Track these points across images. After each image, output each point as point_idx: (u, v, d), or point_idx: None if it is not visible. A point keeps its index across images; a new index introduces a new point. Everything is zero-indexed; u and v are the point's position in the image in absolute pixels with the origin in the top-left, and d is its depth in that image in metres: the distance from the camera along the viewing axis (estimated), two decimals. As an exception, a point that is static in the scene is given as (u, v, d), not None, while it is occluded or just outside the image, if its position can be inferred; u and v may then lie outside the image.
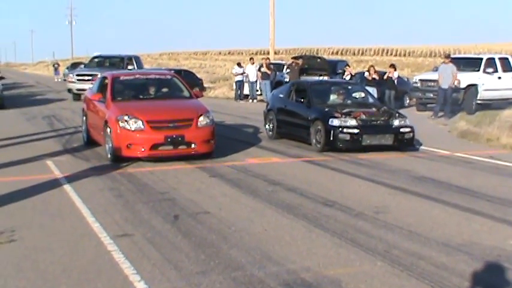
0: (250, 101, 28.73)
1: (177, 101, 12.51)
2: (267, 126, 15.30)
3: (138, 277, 5.28)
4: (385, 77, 22.76)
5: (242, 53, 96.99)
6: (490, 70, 22.51)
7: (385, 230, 6.89)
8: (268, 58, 31.13)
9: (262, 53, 78.27)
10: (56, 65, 64.58)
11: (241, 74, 29.33)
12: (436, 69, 23.76)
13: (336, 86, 15.11)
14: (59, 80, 58.34)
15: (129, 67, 27.80)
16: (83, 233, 6.67)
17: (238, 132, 16.40)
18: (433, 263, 5.74)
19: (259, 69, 28.19)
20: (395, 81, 22.96)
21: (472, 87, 22.01)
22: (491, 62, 22.83)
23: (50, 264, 5.64)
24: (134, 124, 10.90)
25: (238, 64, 30.71)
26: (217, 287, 5.09)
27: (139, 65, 29.57)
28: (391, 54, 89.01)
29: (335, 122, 12.45)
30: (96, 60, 30.85)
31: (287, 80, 26.57)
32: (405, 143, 12.84)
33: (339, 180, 9.90)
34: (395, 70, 23.18)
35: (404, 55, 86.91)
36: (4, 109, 23.22)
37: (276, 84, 26.07)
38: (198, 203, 8.10)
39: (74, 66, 58.72)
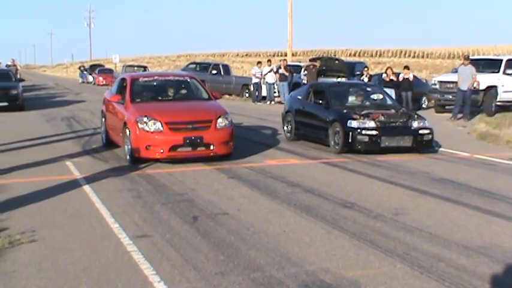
0: (268, 102, 28.72)
1: (196, 102, 12.54)
2: (285, 128, 15.29)
3: (157, 278, 5.30)
4: (400, 78, 22.69)
5: (260, 55, 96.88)
6: (510, 71, 22.31)
7: (404, 231, 6.86)
8: (286, 60, 31.14)
9: (280, 54, 78.37)
10: (82, 68, 65.19)
11: (259, 76, 29.24)
12: (455, 71, 23.59)
13: (354, 87, 15.06)
14: (84, 82, 58.90)
15: (213, 72, 32.75)
16: (102, 234, 6.71)
17: (256, 134, 16.41)
18: (453, 265, 5.70)
19: (276, 71, 28.18)
20: (412, 82, 22.88)
21: (492, 89, 21.83)
22: (511, 63, 22.61)
23: (70, 264, 5.68)
24: (153, 125, 10.94)
25: (259, 63, 30.66)
26: (236, 288, 5.10)
27: (226, 71, 33.71)
28: (409, 55, 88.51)
29: (353, 124, 12.42)
30: (191, 66, 35.86)
31: (304, 81, 26.58)
32: (424, 145, 12.77)
33: (358, 182, 9.86)
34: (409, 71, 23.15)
35: (423, 57, 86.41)
36: (24, 110, 23.42)
37: (294, 86, 26.08)
38: (216, 204, 8.12)
39: (93, 68, 59.45)
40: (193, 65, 35.81)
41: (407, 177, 10.24)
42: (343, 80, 24.68)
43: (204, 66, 34.66)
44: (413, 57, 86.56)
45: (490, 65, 22.89)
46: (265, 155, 12.58)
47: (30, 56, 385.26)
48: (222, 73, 33.44)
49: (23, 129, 17.00)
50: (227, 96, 31.93)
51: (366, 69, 25.96)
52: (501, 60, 22.97)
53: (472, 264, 5.72)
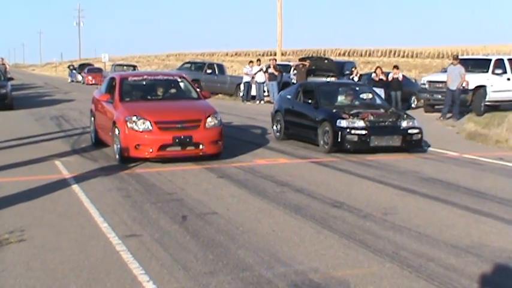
0: (258, 102, 28.72)
1: (185, 101, 12.52)
2: (274, 127, 15.30)
3: (146, 277, 5.28)
4: (389, 78, 22.75)
5: (249, 54, 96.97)
6: (499, 71, 22.43)
7: (393, 231, 6.87)
8: (275, 59, 31.14)
9: (269, 54, 78.30)
10: (71, 67, 64.87)
11: (250, 75, 29.20)
12: (444, 71, 23.70)
13: (344, 87, 15.09)
14: (74, 81, 58.58)
15: (208, 71, 33.19)
16: (91, 233, 6.69)
17: (245, 133, 16.41)
18: (442, 264, 5.72)
19: (266, 71, 28.18)
20: (401, 81, 22.95)
21: (481, 89, 21.94)
22: (500, 63, 22.73)
23: (59, 263, 5.65)
24: (142, 125, 10.92)
25: (250, 62, 30.65)
26: (225, 288, 5.10)
27: (221, 71, 34.17)
28: (399, 55, 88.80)
29: (343, 123, 12.44)
30: (186, 65, 36.15)
31: (294, 81, 26.59)
32: (413, 144, 12.81)
33: (347, 182, 9.88)
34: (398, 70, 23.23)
35: (412, 56, 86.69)
36: (13, 110, 23.29)
37: (283, 86, 26.09)
38: (206, 204, 8.11)
39: (82, 67, 59.21)
40: (188, 65, 36.09)
41: (396, 176, 10.27)
42: (333, 79, 24.73)
43: (199, 66, 34.91)
44: (403, 56, 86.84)
45: (479, 64, 23.00)
46: (255, 154, 12.58)
47: (19, 55, 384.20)
48: (217, 72, 33.77)
49: (12, 129, 16.91)
50: (220, 95, 32.02)
51: (353, 69, 26.01)
52: (490, 60, 23.07)
53: (460, 264, 5.75)
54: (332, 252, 6.08)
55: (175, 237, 6.56)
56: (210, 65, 34.68)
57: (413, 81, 28.29)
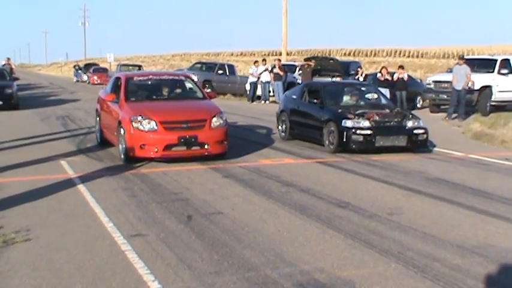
0: (263, 102, 28.71)
1: (191, 101, 12.53)
2: (279, 127, 15.29)
3: (152, 277, 5.29)
4: (395, 78, 22.71)
5: (254, 54, 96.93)
6: (505, 71, 22.36)
7: (399, 231, 6.86)
8: (280, 59, 31.12)
9: (274, 54, 78.30)
10: (76, 67, 64.99)
11: (255, 76, 29.17)
12: (449, 71, 23.64)
13: (349, 87, 15.07)
14: (79, 81, 58.65)
15: (219, 72, 33.40)
16: (97, 233, 6.69)
17: (251, 133, 16.40)
18: (447, 264, 5.71)
19: (271, 71, 28.17)
20: (406, 81, 22.91)
21: (487, 89, 21.88)
22: (505, 63, 22.66)
23: (64, 263, 5.66)
24: (148, 125, 10.92)
25: (256, 62, 30.65)
26: (231, 288, 5.10)
27: (231, 71, 34.50)
28: (404, 55, 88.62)
29: (348, 123, 12.43)
30: (196, 65, 36.28)
31: (299, 81, 26.58)
32: (419, 145, 12.79)
33: (352, 182, 9.87)
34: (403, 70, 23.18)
35: (418, 56, 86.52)
36: (18, 109, 23.36)
37: (288, 86, 26.08)
38: (211, 204, 8.11)
39: (88, 67, 59.34)
40: (199, 65, 36.32)
41: (402, 176, 10.25)
42: (338, 79, 24.70)
43: (210, 66, 35.14)
44: (408, 56, 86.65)
45: (484, 64, 22.93)
46: (260, 154, 12.58)
47: (25, 55, 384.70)
48: (228, 73, 34.05)
49: (18, 128, 16.95)
50: (226, 95, 32.04)
51: (358, 68, 25.98)
52: (496, 60, 23.01)
53: (466, 264, 5.73)
54: (337, 252, 6.07)
55: (180, 237, 6.56)
56: (221, 66, 34.95)
57: (419, 81, 28.23)
